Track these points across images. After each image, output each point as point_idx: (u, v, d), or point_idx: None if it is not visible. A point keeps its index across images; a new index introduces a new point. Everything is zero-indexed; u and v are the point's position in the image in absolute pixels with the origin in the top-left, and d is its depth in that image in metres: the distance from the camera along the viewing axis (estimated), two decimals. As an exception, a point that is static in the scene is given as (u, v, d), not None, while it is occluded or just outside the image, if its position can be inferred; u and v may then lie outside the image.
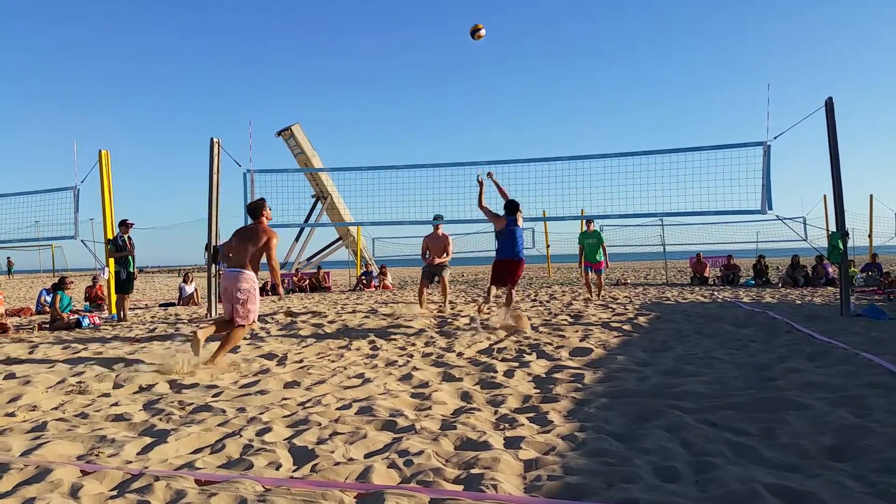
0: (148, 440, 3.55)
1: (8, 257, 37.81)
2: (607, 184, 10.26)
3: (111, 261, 10.83)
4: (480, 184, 8.83)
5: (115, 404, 4.45)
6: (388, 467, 2.98)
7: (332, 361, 5.99)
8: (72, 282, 11.26)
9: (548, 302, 12.01)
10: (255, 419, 3.92)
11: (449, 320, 8.94)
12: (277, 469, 3.05)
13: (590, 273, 12.57)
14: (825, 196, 20.62)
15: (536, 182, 10.58)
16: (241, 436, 3.56)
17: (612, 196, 10.28)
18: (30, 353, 6.89)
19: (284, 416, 3.98)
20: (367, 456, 3.23)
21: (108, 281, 11.21)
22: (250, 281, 5.96)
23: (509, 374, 5.20)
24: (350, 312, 10.45)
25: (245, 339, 7.27)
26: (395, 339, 7.24)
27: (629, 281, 20.12)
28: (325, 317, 9.74)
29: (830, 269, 15.42)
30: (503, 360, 5.87)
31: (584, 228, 12.54)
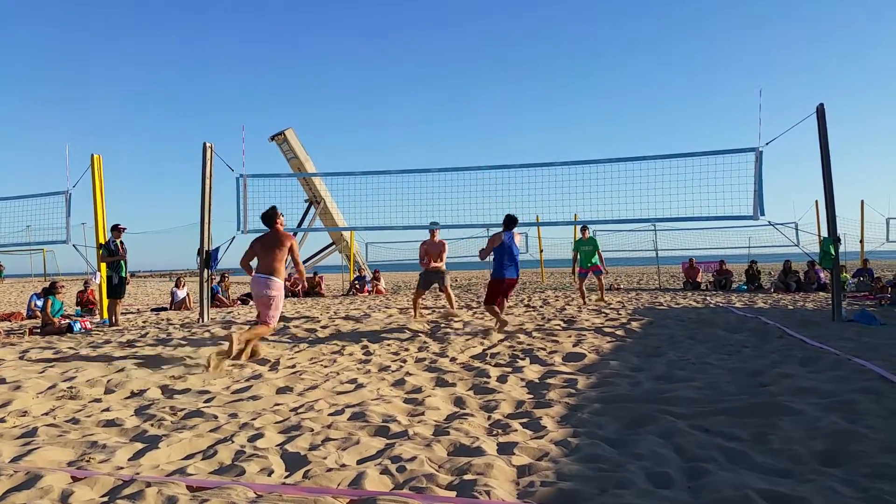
0: (139, 446, 3.53)
1: (-3, 261, 37.55)
2: (600, 189, 10.31)
3: (103, 265, 10.79)
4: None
5: (107, 410, 4.43)
6: (380, 473, 2.97)
7: (325, 367, 5.98)
8: (63, 286, 11.20)
9: (541, 307, 12.02)
10: (247, 425, 3.90)
11: (442, 325, 8.93)
12: (269, 475, 3.03)
13: (585, 279, 12.66)
14: (817, 202, 20.74)
15: (530, 187, 10.62)
16: (233, 442, 3.55)
17: (605, 201, 10.31)
18: (20, 357, 6.84)
19: (277, 422, 3.97)
20: (359, 462, 3.22)
21: (100, 285, 11.16)
22: (278, 288, 6.50)
23: (502, 379, 5.20)
24: (343, 318, 10.43)
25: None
26: (388, 345, 7.23)
27: (622, 286, 20.17)
28: (318, 322, 9.72)
29: (822, 275, 15.49)
30: (496, 365, 5.86)
31: (580, 236, 12.57)
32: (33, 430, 3.86)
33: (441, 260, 10.11)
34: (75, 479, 2.96)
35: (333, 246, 32.58)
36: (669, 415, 3.83)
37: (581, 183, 10.37)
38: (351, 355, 6.59)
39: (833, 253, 8.67)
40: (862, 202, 22.79)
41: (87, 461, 3.26)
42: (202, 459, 3.29)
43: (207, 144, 10.80)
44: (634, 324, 8.62)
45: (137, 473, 3.05)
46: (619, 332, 7.75)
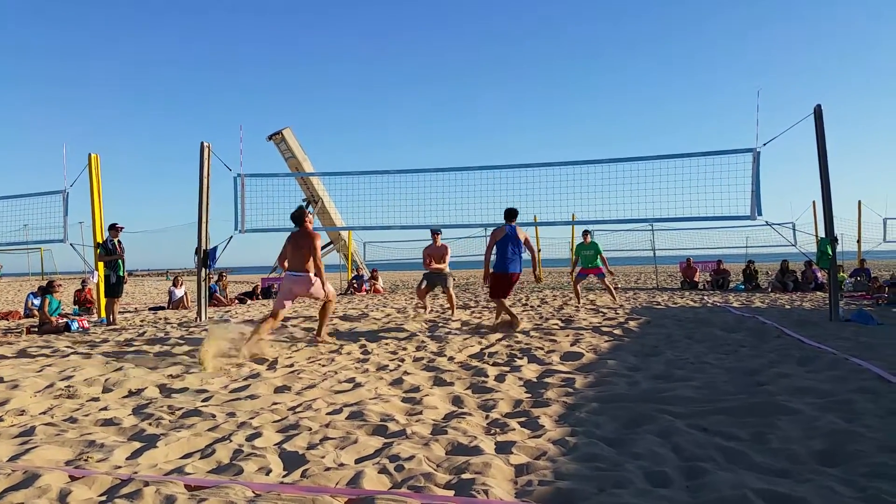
0: (137, 445, 3.52)
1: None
2: (598, 189, 10.32)
3: (100, 264, 10.77)
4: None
5: (105, 409, 4.42)
6: (378, 472, 2.97)
7: (323, 366, 5.97)
8: (60, 285, 11.17)
9: (539, 306, 12.03)
10: (245, 424, 3.90)
11: (440, 324, 8.93)
12: (268, 474, 3.03)
13: (583, 279, 12.72)
14: (814, 202, 20.78)
15: (528, 187, 10.63)
16: (231, 441, 3.54)
17: (604, 201, 10.33)
18: (18, 356, 6.83)
19: (275, 421, 3.97)
20: (357, 461, 3.21)
21: (98, 285, 11.15)
22: (309, 280, 7.01)
23: (500, 378, 5.20)
24: (341, 317, 10.43)
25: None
26: (386, 344, 7.23)
27: (620, 285, 20.18)
28: (317, 321, 9.70)
29: (819, 274, 15.51)
30: (494, 364, 5.86)
31: (581, 240, 12.62)
32: (31, 429, 3.85)
33: (444, 262, 10.19)
34: (73, 479, 2.96)
35: (331, 245, 32.55)
36: (667, 414, 3.84)
37: (579, 183, 10.40)
38: (349, 354, 6.59)
39: (830, 253, 8.69)
40: (859, 202, 22.82)
41: (85, 460, 3.25)
42: (200, 458, 3.29)
43: (205, 144, 10.79)
44: (632, 323, 8.63)
45: (135, 473, 3.05)
46: (617, 332, 7.76)
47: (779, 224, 12.15)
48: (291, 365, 6.05)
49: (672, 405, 4.08)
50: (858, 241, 22.77)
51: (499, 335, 7.71)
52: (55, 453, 3.38)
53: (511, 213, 8.41)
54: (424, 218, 10.96)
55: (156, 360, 6.32)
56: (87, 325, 10.11)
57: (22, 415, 4.30)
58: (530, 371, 5.46)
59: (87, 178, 11.48)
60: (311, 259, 7.01)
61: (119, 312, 11.33)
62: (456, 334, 7.90)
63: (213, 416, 4.12)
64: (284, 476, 3.02)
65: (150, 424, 3.96)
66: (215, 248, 10.75)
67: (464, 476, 2.89)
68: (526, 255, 8.52)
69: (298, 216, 7.25)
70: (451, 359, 6.18)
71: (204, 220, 10.70)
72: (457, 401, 4.48)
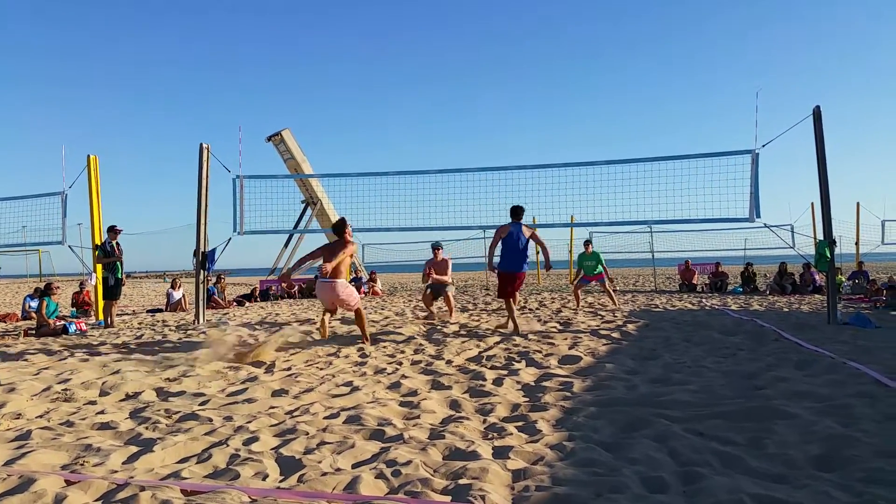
0: (134, 449, 3.52)
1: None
2: (597, 191, 10.33)
3: (99, 266, 10.76)
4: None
5: (102, 412, 4.41)
6: (375, 477, 2.97)
7: (321, 369, 5.97)
8: (58, 287, 11.17)
9: (537, 309, 12.02)
10: (242, 428, 3.89)
11: (439, 327, 8.93)
12: (264, 479, 3.02)
13: (585, 285, 12.81)
14: (813, 204, 20.80)
15: (527, 189, 10.64)
16: (227, 445, 3.54)
17: (602, 203, 10.34)
18: (15, 359, 6.82)
19: (272, 425, 3.96)
20: (354, 466, 3.21)
21: (96, 287, 11.14)
22: (342, 286, 7.35)
23: (498, 382, 5.20)
24: (339, 319, 10.42)
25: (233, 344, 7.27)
26: (384, 347, 7.23)
27: (618, 288, 20.19)
28: (314, 323, 9.70)
29: (818, 277, 15.52)
30: (492, 367, 5.86)
31: (583, 250, 12.68)
32: (27, 433, 3.84)
33: (447, 276, 10.26)
34: (69, 483, 2.95)
35: (330, 247, 32.41)
36: (664, 418, 3.83)
37: (578, 184, 10.40)
38: (347, 357, 6.59)
39: (829, 255, 8.69)
40: (858, 204, 22.86)
41: (82, 465, 3.24)
42: (197, 463, 3.28)
43: (204, 145, 10.78)
44: (630, 326, 8.63)
45: (132, 477, 3.05)
46: (615, 335, 7.75)
47: (777, 226, 12.19)
48: (289, 368, 6.04)
49: (669, 409, 4.07)
50: (857, 244, 22.81)
51: (497, 338, 7.71)
52: (51, 457, 3.37)
53: (516, 211, 8.37)
54: (423, 220, 10.97)
55: (153, 364, 6.31)
56: (84, 327, 10.10)
57: (18, 418, 4.29)
58: (528, 375, 5.46)
59: (86, 180, 11.49)
60: (346, 267, 7.41)
61: (117, 315, 11.32)
62: (454, 337, 7.89)
63: (210, 420, 4.11)
64: (281, 481, 3.02)
65: (146, 428, 3.95)
66: (214, 250, 10.75)
67: (461, 481, 2.88)
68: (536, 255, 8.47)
69: (340, 227, 7.61)
70: (449, 362, 6.18)
71: (203, 221, 10.69)
72: (454, 405, 4.48)
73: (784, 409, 3.93)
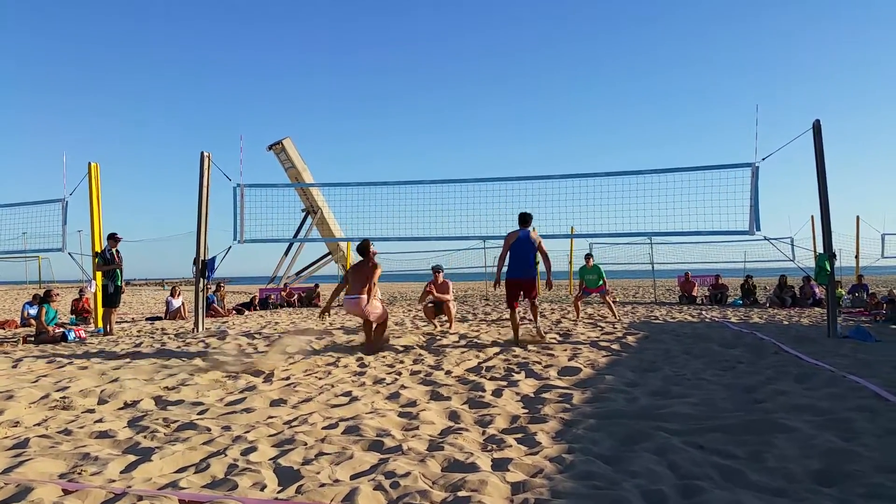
0: (132, 458, 3.50)
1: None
2: (597, 202, 10.37)
3: (98, 274, 10.76)
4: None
5: (100, 420, 4.40)
6: (374, 489, 2.95)
7: (320, 379, 5.95)
8: (57, 294, 11.17)
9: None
10: (240, 438, 3.88)
11: (438, 338, 8.92)
12: (262, 490, 3.01)
13: (585, 296, 12.85)
14: (812, 217, 20.83)
15: (527, 200, 10.69)
16: (226, 455, 3.52)
17: (602, 214, 10.38)
18: (13, 366, 6.81)
19: (270, 435, 3.95)
20: (353, 477, 3.20)
21: (95, 294, 11.13)
22: (365, 300, 7.70)
23: (497, 393, 5.18)
24: (338, 328, 10.41)
25: (232, 354, 7.28)
26: (383, 357, 7.22)
27: (618, 299, 20.17)
28: (314, 333, 9.68)
29: (818, 290, 15.51)
30: (492, 378, 5.85)
31: (584, 264, 12.71)
32: (25, 441, 3.83)
33: (448, 294, 10.36)
34: (66, 492, 2.94)
35: (330, 256, 32.52)
36: (664, 431, 3.82)
37: (578, 196, 10.45)
38: (346, 367, 6.57)
39: (828, 269, 8.69)
40: (857, 218, 22.91)
41: (79, 473, 3.23)
42: (195, 473, 3.27)
43: (205, 154, 10.82)
44: (630, 338, 8.62)
45: (129, 487, 3.03)
46: (615, 347, 7.74)
47: (777, 239, 12.20)
48: (288, 378, 6.03)
49: (669, 422, 4.06)
50: (857, 257, 22.84)
51: (496, 349, 7.70)
52: (49, 466, 3.36)
53: (525, 218, 8.29)
54: (423, 230, 10.99)
55: (152, 372, 6.30)
56: (83, 334, 10.08)
57: (16, 426, 4.28)
58: (528, 386, 5.44)
59: (87, 187, 11.51)
60: (372, 285, 7.72)
61: (116, 322, 11.31)
62: (453, 348, 7.88)
63: (209, 429, 4.10)
64: (279, 492, 3.00)
65: (144, 437, 3.94)
66: (214, 259, 10.76)
67: (460, 493, 2.87)
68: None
69: (364, 249, 7.99)
70: (448, 373, 6.16)
71: (203, 229, 10.71)
72: (453, 416, 4.46)
73: (784, 422, 3.92)
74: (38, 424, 4.34)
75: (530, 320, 9.26)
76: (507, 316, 8.75)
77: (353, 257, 25.05)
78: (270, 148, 28.14)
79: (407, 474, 3.11)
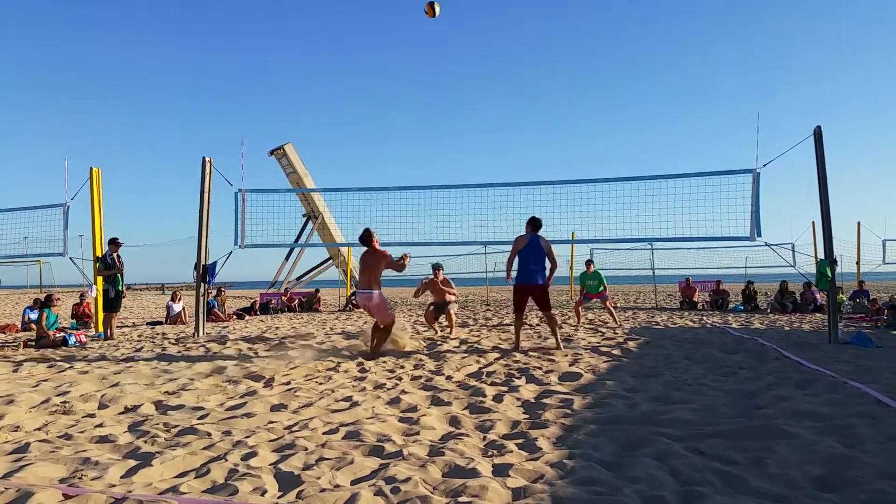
0: (132, 463, 3.50)
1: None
2: (598, 208, 10.35)
3: (99, 279, 10.77)
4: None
5: (100, 425, 4.39)
6: (374, 494, 2.95)
7: (320, 384, 5.95)
8: (58, 298, 11.17)
9: (537, 325, 11.99)
10: (240, 443, 3.88)
11: (439, 343, 8.91)
12: (263, 495, 3.01)
13: (586, 302, 12.87)
14: (813, 223, 20.82)
15: (528, 205, 10.68)
16: (226, 460, 3.52)
17: (603, 220, 10.37)
18: (14, 371, 6.81)
19: (270, 440, 3.94)
20: (353, 482, 3.19)
21: (96, 299, 11.14)
22: (376, 297, 7.73)
23: (498, 398, 5.18)
24: (339, 333, 10.41)
25: (233, 358, 7.28)
26: (384, 362, 7.21)
27: (619, 305, 20.16)
28: (314, 337, 9.69)
29: (819, 296, 15.49)
30: (492, 384, 5.84)
31: (585, 270, 12.72)
32: (25, 446, 3.83)
33: (452, 288, 10.42)
34: (67, 497, 2.94)
35: (330, 261, 32.51)
36: (665, 437, 3.81)
37: (579, 201, 10.43)
38: (346, 372, 6.57)
39: (829, 274, 8.69)
40: (858, 224, 22.89)
41: (80, 478, 3.23)
42: (195, 478, 3.27)
43: (207, 159, 10.83)
44: (631, 343, 8.61)
45: (130, 491, 3.03)
46: (616, 352, 7.74)
47: (778, 245, 12.19)
48: (288, 383, 6.02)
49: (670, 428, 4.06)
50: (858, 263, 22.81)
51: (497, 354, 7.69)
52: (49, 471, 3.36)
53: (534, 223, 8.19)
54: (424, 235, 10.98)
55: (152, 376, 6.30)
56: (84, 339, 10.08)
57: (16, 431, 4.27)
58: (528, 391, 5.44)
59: (89, 192, 11.52)
60: (379, 275, 7.71)
61: (117, 327, 11.31)
62: (454, 353, 7.88)
63: (209, 434, 4.09)
64: (279, 497, 3.00)
65: (145, 442, 3.93)
66: (215, 264, 10.76)
67: (460, 499, 2.87)
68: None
69: (366, 238, 7.88)
70: (449, 378, 6.16)
71: (204, 234, 10.72)
72: (454, 421, 4.46)
73: (785, 428, 3.91)
74: (39, 429, 4.33)
75: (546, 337, 9.31)
76: (509, 321, 8.72)
77: (355, 262, 25.09)
78: (272, 153, 28.19)
79: (407, 480, 3.11)
